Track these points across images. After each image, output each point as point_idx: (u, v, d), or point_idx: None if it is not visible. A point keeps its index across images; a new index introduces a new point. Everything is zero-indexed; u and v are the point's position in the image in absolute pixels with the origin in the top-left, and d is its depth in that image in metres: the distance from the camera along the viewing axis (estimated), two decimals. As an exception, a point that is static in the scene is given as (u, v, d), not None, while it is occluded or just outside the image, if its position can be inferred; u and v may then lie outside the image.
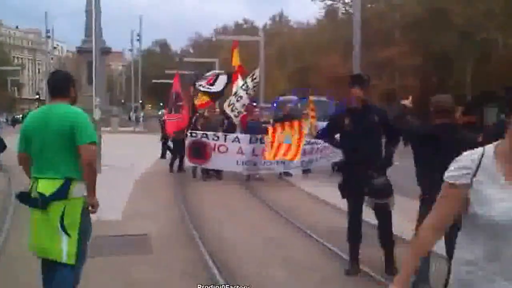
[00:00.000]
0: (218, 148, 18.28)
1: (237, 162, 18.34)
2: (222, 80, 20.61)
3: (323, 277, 8.02)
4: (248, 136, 18.51)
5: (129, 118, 73.84)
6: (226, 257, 8.90)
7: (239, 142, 18.41)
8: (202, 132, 18.64)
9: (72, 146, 5.61)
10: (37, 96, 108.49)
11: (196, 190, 16.72)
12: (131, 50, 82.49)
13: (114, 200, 13.16)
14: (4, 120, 79.87)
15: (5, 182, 16.98)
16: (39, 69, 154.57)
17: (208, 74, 21.85)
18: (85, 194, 5.79)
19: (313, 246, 9.75)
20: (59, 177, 5.63)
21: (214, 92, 20.43)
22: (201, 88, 20.34)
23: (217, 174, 19.58)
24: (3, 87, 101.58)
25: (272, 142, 16.87)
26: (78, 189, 5.73)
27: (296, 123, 17.07)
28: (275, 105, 27.05)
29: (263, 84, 48.34)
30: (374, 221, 8.21)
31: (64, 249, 5.64)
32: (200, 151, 18.44)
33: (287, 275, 8.15)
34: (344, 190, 8.15)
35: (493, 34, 43.93)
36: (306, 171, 19.89)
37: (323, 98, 30.08)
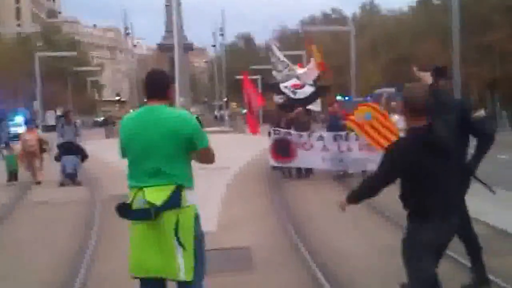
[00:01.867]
0: (303, 145, 18.59)
1: (323, 159, 18.61)
2: (309, 90, 20.50)
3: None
4: (331, 133, 18.88)
5: (215, 117, 74.07)
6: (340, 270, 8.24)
7: (323, 140, 18.73)
8: (285, 130, 18.82)
9: (181, 150, 5.43)
10: (118, 98, 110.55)
11: (294, 192, 16.35)
12: (214, 46, 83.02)
13: (206, 207, 12.70)
14: (80, 124, 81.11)
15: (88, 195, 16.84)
16: (119, 69, 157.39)
17: (298, 71, 21.57)
18: (195, 200, 5.55)
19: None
20: (169, 184, 5.34)
21: (294, 99, 20.38)
22: (285, 90, 20.29)
23: (306, 172, 19.83)
24: (83, 89, 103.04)
25: (359, 126, 17.26)
26: (190, 196, 5.46)
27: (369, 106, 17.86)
28: (369, 98, 26.58)
29: (355, 78, 47.84)
30: None
31: (181, 264, 5.29)
32: (286, 150, 18.75)
33: None
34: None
35: None
36: None
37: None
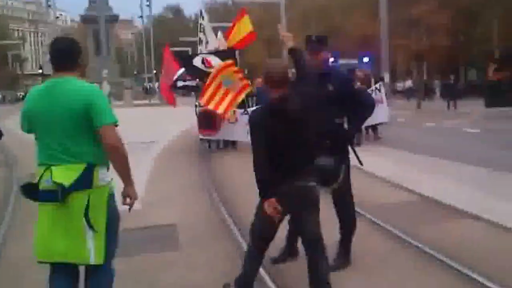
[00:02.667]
0: (228, 119, 18.45)
1: (248, 132, 18.37)
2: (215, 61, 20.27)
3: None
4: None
5: (145, 90, 73.30)
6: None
7: (248, 114, 18.36)
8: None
9: (89, 127, 4.92)
10: (40, 71, 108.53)
11: (222, 164, 16.47)
12: (141, 17, 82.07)
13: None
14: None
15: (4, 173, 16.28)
16: (42, 42, 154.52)
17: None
18: (109, 179, 5.10)
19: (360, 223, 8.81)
20: (78, 163, 4.92)
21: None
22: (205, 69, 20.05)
23: (234, 144, 20.05)
24: (4, 62, 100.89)
25: (208, 84, 17.49)
26: (102, 175, 5.03)
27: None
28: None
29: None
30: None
31: (91, 248, 4.95)
32: (210, 122, 18.67)
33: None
34: None
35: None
36: None
37: (354, 61, 29.55)
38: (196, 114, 19.40)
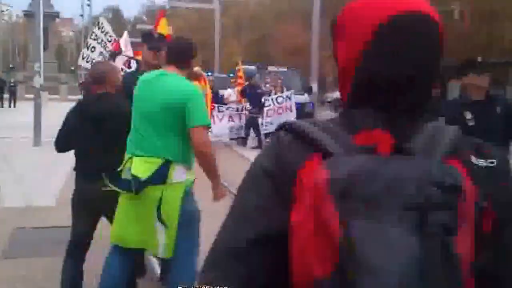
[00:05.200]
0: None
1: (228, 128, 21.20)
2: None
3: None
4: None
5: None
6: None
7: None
8: None
9: (178, 124, 4.87)
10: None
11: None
12: (81, 15, 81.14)
13: (52, 181, 12.38)
14: None
15: None
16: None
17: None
18: (188, 177, 4.99)
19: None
20: (157, 157, 4.85)
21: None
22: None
23: None
24: None
25: None
26: (178, 173, 4.91)
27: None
28: (231, 75, 26.59)
29: (218, 54, 47.86)
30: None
31: (161, 242, 4.90)
32: None
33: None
34: None
35: None
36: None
37: (283, 69, 29.70)
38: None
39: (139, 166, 4.82)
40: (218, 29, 47.77)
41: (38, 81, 19.42)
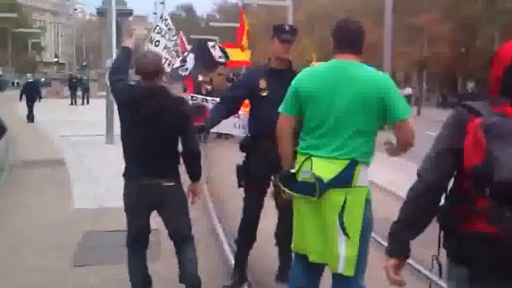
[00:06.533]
0: None
1: (235, 125, 18.37)
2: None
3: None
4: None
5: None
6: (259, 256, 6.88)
7: None
8: (202, 96, 18.73)
9: (370, 119, 4.38)
10: (56, 59, 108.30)
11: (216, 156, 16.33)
12: (155, 13, 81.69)
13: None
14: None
15: None
16: (61, 33, 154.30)
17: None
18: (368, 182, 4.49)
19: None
20: (342, 157, 4.33)
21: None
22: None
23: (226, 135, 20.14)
24: (25, 49, 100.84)
25: None
26: (364, 176, 4.39)
27: None
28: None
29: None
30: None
31: (342, 255, 4.32)
32: (201, 112, 18.41)
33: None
34: (243, 176, 6.14)
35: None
36: None
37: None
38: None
39: (321, 167, 4.31)
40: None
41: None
